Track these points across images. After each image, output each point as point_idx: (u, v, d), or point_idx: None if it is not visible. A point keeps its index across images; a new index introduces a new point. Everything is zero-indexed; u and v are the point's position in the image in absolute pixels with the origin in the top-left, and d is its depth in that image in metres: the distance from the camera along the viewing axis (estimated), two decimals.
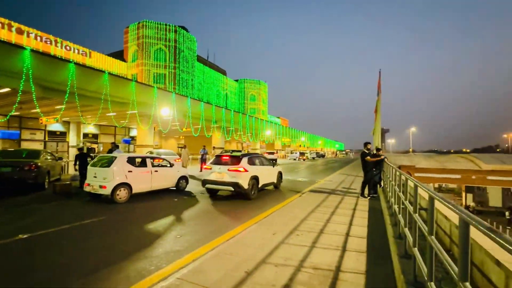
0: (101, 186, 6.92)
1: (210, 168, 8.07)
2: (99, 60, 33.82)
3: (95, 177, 7.19)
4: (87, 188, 7.24)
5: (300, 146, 53.17)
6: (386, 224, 5.23)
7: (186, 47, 41.35)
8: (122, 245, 4.20)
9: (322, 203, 7.29)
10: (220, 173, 7.81)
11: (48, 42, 28.96)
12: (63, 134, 19.70)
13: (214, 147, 21.10)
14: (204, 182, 8.12)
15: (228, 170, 7.70)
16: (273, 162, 10.20)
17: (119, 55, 39.30)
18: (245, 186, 7.57)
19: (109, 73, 12.65)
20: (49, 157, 10.27)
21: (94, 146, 21.19)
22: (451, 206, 1.71)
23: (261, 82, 64.08)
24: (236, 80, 61.26)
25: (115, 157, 7.40)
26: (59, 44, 29.83)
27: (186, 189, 9.25)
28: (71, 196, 8.01)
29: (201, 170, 16.11)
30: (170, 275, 3.04)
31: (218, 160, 8.27)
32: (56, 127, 19.01)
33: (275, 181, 9.82)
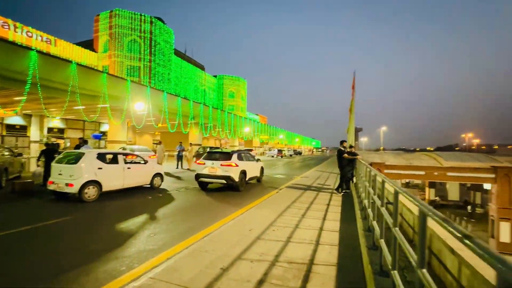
0: (67, 184, 6.50)
1: (204, 164, 8.59)
2: (65, 49, 31.35)
3: (60, 174, 6.73)
4: (51, 186, 6.75)
5: (278, 143, 53.86)
6: (357, 218, 5.50)
7: (162, 40, 39.75)
8: (90, 246, 3.98)
9: (298, 199, 7.49)
10: (214, 168, 8.41)
11: (6, 27, 26.26)
12: (24, 128, 18.12)
13: (191, 143, 20.65)
14: (198, 176, 8.63)
15: (221, 165, 8.35)
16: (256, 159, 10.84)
17: (89, 44, 36.76)
18: (236, 179, 8.31)
19: (77, 64, 11.82)
20: (6, 153, 9.42)
21: (60, 141, 19.73)
22: (411, 199, 1.85)
23: (240, 78, 63.67)
24: (215, 76, 60.28)
25: (83, 153, 6.98)
26: (19, 30, 27.15)
27: (162, 187, 9.00)
28: (33, 195, 7.44)
29: (176, 167, 15.78)
30: (143, 275, 2.96)
31: (210, 156, 8.86)
32: (16, 120, 17.44)
33: (258, 175, 10.66)
